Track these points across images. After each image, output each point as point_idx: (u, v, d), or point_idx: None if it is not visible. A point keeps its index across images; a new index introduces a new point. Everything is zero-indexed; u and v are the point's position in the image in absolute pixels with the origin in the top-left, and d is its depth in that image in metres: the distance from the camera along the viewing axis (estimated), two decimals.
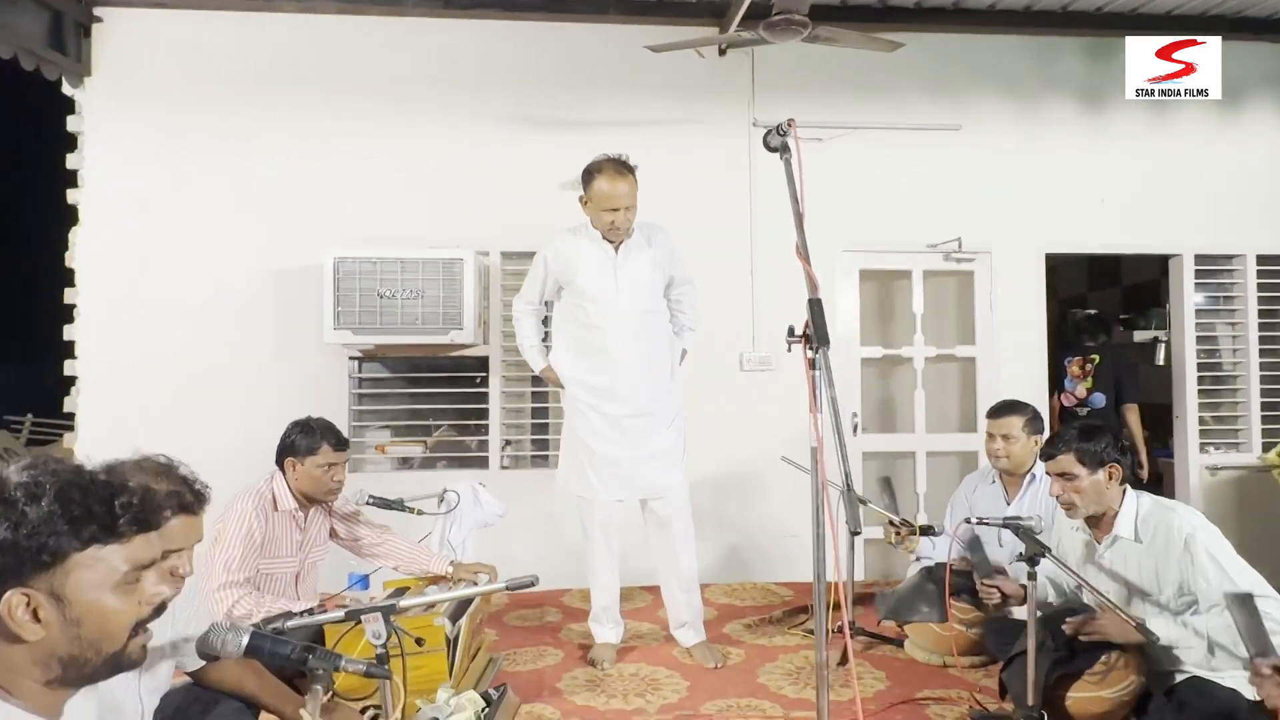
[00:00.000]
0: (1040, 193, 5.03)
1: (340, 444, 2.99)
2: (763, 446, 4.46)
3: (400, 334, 4.35)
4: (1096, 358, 5.05)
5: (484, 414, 4.74)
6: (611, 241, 3.24)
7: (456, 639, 2.66)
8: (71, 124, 4.55)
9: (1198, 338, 5.16)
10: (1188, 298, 5.13)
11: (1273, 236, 5.13)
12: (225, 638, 1.35)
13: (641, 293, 3.26)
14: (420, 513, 3.18)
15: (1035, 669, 2.44)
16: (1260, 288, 5.14)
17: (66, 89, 4.54)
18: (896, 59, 4.36)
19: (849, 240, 4.92)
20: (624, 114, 4.80)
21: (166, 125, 4.56)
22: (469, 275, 4.35)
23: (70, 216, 4.52)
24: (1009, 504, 3.37)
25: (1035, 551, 2.45)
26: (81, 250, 4.53)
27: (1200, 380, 5.15)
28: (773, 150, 2.06)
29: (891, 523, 3.36)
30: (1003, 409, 3.44)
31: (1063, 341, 5.62)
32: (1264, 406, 5.11)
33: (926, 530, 3.26)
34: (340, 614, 1.78)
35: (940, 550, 3.38)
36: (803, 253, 1.86)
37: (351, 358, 4.67)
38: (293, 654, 1.33)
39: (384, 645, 1.72)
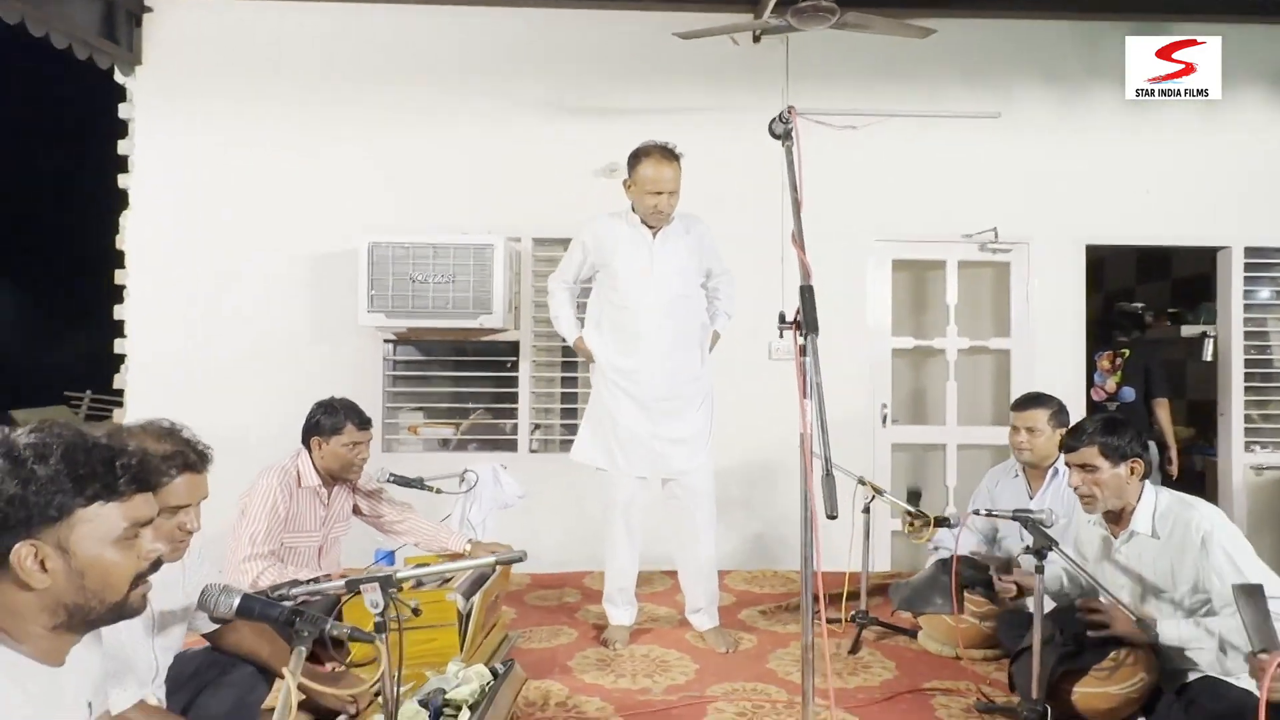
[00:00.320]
0: (1082, 182, 4.91)
1: (363, 423, 3.08)
2: (788, 436, 4.44)
3: (432, 318, 4.45)
4: (1126, 352, 4.93)
5: (513, 398, 4.82)
6: (651, 227, 3.28)
7: (469, 614, 2.73)
8: (122, 111, 4.73)
9: (1246, 333, 5.00)
10: (1236, 292, 4.97)
11: None
12: (218, 599, 1.43)
13: (675, 278, 3.29)
14: (439, 491, 3.27)
15: (1041, 663, 2.43)
16: None
17: (118, 77, 4.72)
18: (934, 45, 4.29)
19: (882, 230, 4.88)
20: (657, 101, 4.82)
21: (212, 112, 4.72)
22: (499, 261, 4.42)
23: (121, 200, 4.71)
24: (1031, 498, 3.33)
25: (1043, 545, 2.43)
26: (131, 233, 4.72)
27: (1248, 377, 4.99)
28: (777, 138, 2.07)
29: (909, 513, 3.35)
30: (1028, 401, 3.39)
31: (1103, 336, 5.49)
32: None
33: (942, 521, 3.24)
34: (341, 583, 1.85)
35: (960, 543, 3.35)
36: (798, 240, 1.87)
37: (386, 340, 4.79)
38: (280, 616, 1.40)
39: (382, 614, 1.78)
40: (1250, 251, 4.97)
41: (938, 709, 2.71)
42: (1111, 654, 2.42)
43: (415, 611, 1.91)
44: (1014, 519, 2.60)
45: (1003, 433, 4.92)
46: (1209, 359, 5.55)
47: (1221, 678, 2.29)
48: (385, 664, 1.68)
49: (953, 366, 4.94)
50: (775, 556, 4.71)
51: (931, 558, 3.49)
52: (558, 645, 3.29)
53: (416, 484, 3.23)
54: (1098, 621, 2.42)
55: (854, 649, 3.21)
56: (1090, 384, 5.04)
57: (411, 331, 4.67)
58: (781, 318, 1.83)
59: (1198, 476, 5.55)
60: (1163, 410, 4.81)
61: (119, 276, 4.74)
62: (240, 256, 4.71)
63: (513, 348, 4.84)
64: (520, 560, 2.00)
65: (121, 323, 4.74)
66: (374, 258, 4.42)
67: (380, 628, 1.72)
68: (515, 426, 4.83)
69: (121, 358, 4.74)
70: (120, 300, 4.74)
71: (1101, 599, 2.49)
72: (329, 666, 2.55)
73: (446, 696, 2.28)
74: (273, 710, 2.29)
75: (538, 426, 4.92)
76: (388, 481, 3.23)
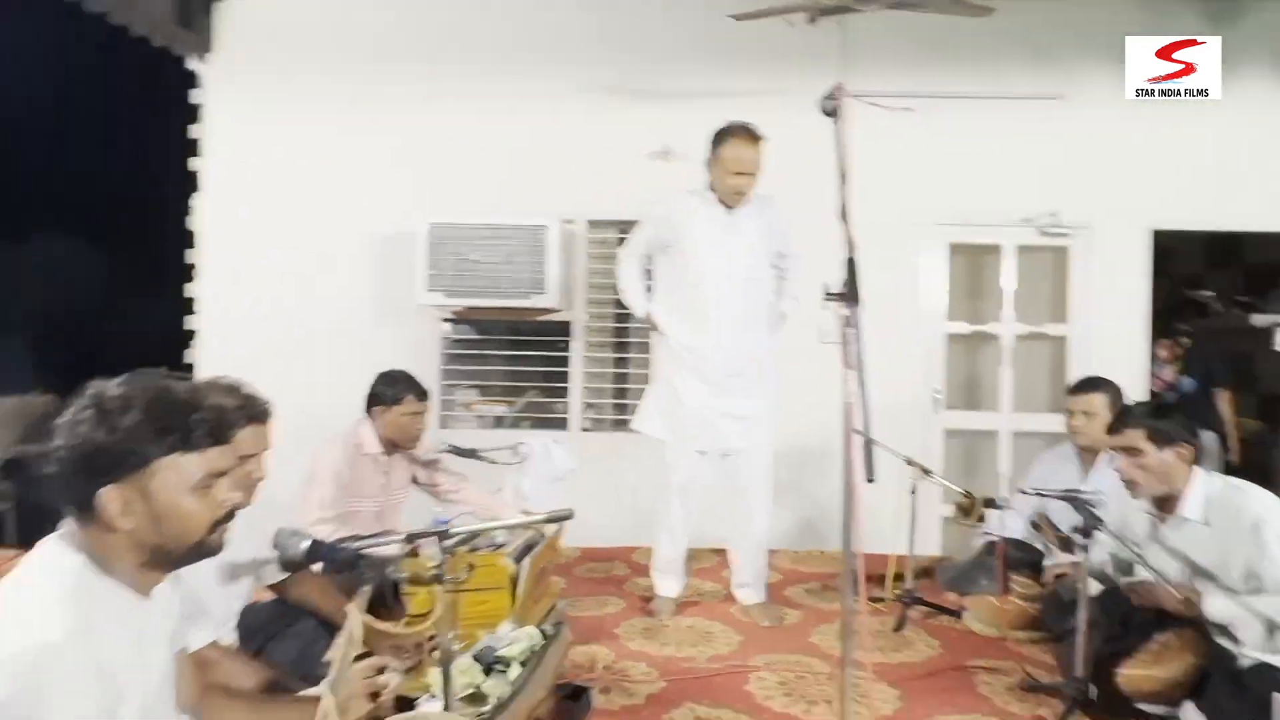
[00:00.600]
0: (1149, 165, 4.78)
1: (421, 394, 3.20)
2: (838, 419, 4.46)
3: (488, 297, 4.57)
4: (1187, 340, 4.80)
5: (565, 377, 4.92)
6: (727, 206, 3.31)
7: (520, 578, 2.82)
8: (194, 96, 4.93)
9: None
10: None
11: None
12: (290, 541, 1.53)
13: (746, 258, 3.32)
14: (493, 461, 3.37)
15: (1087, 643, 2.42)
16: None
17: (191, 64, 4.93)
18: (993, 25, 4.22)
19: (939, 213, 4.83)
20: (712, 84, 4.83)
21: (279, 96, 4.90)
22: (554, 242, 4.52)
23: (192, 183, 4.92)
24: (1083, 481, 3.29)
25: (1091, 525, 2.42)
26: (202, 214, 4.93)
27: None
28: (827, 115, 2.09)
29: (960, 494, 3.34)
30: (1086, 385, 3.37)
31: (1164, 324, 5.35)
32: None
33: (990, 503, 3.23)
34: (401, 536, 1.96)
35: (1009, 525, 3.34)
36: (844, 213, 1.89)
37: (444, 320, 4.92)
38: (346, 559, 1.50)
39: (439, 568, 1.87)
40: None
41: (980, 686, 2.72)
42: (1159, 636, 2.41)
43: (470, 566, 2.00)
44: (1063, 499, 2.59)
45: (1058, 420, 4.87)
46: None
47: (1270, 660, 2.26)
48: (441, 614, 1.77)
49: (1008, 352, 4.88)
50: (822, 537, 4.73)
51: (979, 540, 3.48)
52: (605, 614, 3.38)
53: (472, 454, 3.34)
54: (1143, 599, 2.40)
55: (898, 626, 3.22)
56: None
57: (468, 310, 4.79)
58: (827, 290, 1.86)
59: (1259, 467, 5.38)
60: (1224, 400, 4.69)
61: (190, 256, 4.96)
62: (306, 236, 4.88)
63: (565, 328, 4.93)
64: (568, 518, 2.08)
65: (192, 300, 4.96)
66: (433, 238, 4.55)
67: (438, 580, 1.81)
68: (567, 405, 4.93)
69: (192, 334, 4.97)
70: (191, 279, 4.95)
71: (1144, 574, 2.46)
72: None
73: (498, 653, 2.38)
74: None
75: (589, 405, 5.01)
76: (445, 451, 3.34)
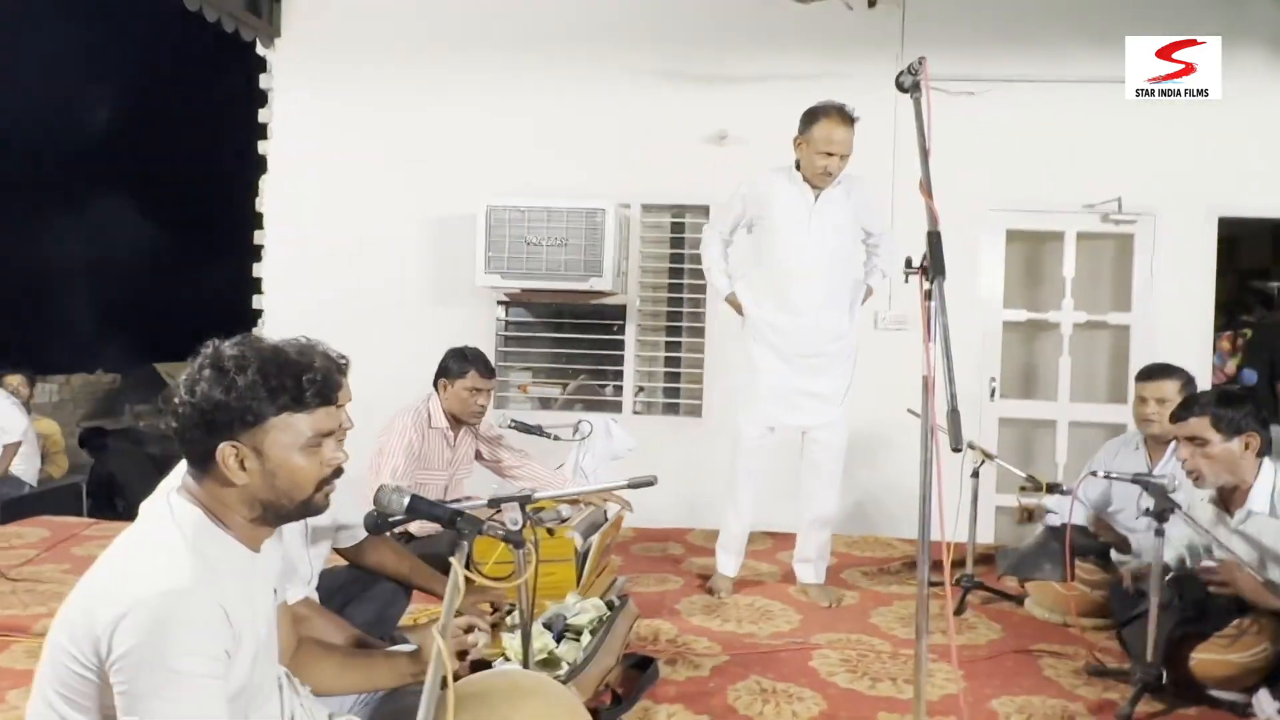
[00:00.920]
0: (1217, 150, 4.67)
1: (487, 371, 3.27)
2: (894, 405, 4.43)
3: (544, 279, 4.63)
4: (1248, 332, 4.69)
5: (619, 360, 4.96)
6: (814, 186, 3.29)
7: (587, 553, 2.88)
8: (263, 81, 5.06)
9: None
10: None
11: None
12: (391, 497, 1.60)
13: (832, 238, 3.30)
14: (556, 438, 3.43)
15: (1158, 627, 2.40)
16: None
17: (259, 49, 5.05)
18: (1055, 7, 4.17)
19: (997, 199, 4.77)
20: (769, 68, 4.82)
21: (343, 81, 5.00)
22: (610, 225, 4.55)
23: (260, 165, 5.05)
24: (1150, 470, 3.25)
25: (1164, 508, 2.39)
26: (269, 196, 5.05)
27: None
28: (904, 90, 2.09)
29: (1029, 477, 3.32)
30: (1156, 371, 3.29)
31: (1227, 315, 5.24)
32: None
33: (1054, 488, 3.20)
34: (483, 500, 2.01)
35: (1075, 510, 3.30)
36: (926, 188, 1.89)
37: (500, 302, 4.99)
38: (444, 515, 1.56)
39: (520, 532, 1.93)
40: None
41: (1045, 670, 2.71)
42: (1235, 621, 2.38)
43: (550, 532, 2.05)
44: (1134, 482, 2.56)
45: (1118, 410, 4.82)
46: None
47: None
48: (524, 573, 1.82)
49: (1067, 341, 4.81)
50: (875, 524, 4.72)
51: (1040, 525, 3.45)
52: (665, 591, 3.42)
53: (536, 430, 3.41)
54: (1219, 580, 2.37)
55: (958, 610, 3.22)
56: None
57: (524, 293, 4.85)
58: (908, 262, 1.86)
59: None
60: None
61: (258, 237, 5.09)
62: (367, 218, 4.98)
63: (619, 311, 4.97)
64: (651, 484, 2.12)
65: (259, 280, 5.09)
66: (491, 220, 4.62)
67: (518, 544, 1.86)
68: (620, 388, 4.97)
69: (259, 313, 5.10)
70: (259, 259, 5.08)
71: (1219, 554, 2.42)
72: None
73: (568, 622, 2.44)
74: (409, 626, 2.50)
75: (641, 389, 5.05)
76: (510, 426, 3.41)
